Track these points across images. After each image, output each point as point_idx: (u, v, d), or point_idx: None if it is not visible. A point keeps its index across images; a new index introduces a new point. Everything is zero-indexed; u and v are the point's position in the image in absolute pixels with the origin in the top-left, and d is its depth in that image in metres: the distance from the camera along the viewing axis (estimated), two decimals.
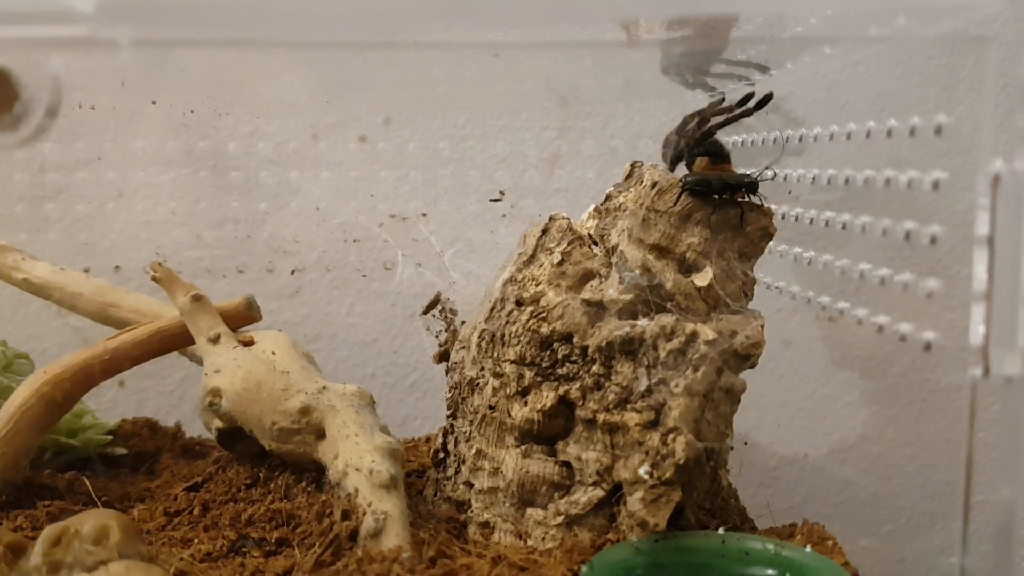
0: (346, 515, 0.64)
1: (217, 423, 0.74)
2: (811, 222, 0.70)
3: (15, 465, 0.74)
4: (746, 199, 0.69)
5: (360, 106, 0.98)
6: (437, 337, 0.84)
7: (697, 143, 0.75)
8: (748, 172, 0.69)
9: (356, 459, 0.67)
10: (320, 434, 0.70)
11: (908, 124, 0.53)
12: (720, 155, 0.74)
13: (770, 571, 0.60)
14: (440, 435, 0.78)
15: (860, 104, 0.67)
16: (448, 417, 0.77)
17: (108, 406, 1.03)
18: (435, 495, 0.76)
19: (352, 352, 1.09)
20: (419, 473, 0.83)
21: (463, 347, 0.77)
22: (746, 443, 0.76)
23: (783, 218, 0.75)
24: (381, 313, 1.08)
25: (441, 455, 0.77)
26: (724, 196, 0.68)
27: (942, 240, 0.52)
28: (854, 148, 0.62)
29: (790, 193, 0.74)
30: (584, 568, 0.58)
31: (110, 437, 0.87)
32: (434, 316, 0.86)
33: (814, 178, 0.70)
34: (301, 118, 1.00)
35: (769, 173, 0.68)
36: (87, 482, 0.77)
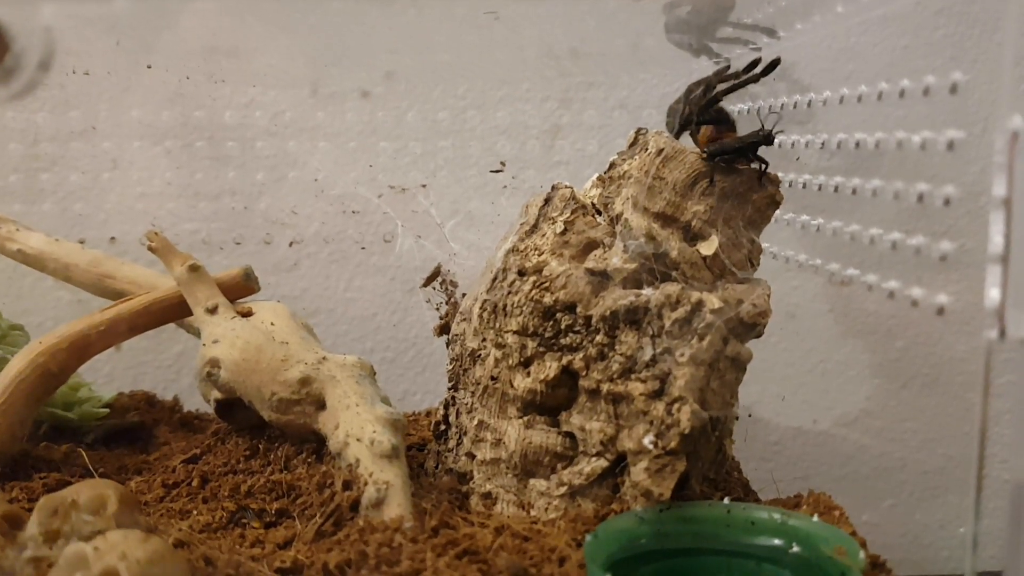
0: (347, 485, 0.63)
1: (215, 394, 0.73)
2: (820, 188, 0.69)
3: (11, 436, 0.73)
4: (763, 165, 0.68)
5: (358, 73, 0.96)
6: (438, 310, 0.83)
7: (702, 111, 0.73)
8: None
9: (357, 429, 0.66)
10: (320, 405, 0.69)
11: (922, 84, 0.52)
12: (726, 122, 0.73)
13: (776, 540, 0.60)
14: (441, 407, 0.77)
15: (872, 65, 0.65)
16: (449, 389, 0.76)
17: (105, 380, 1.02)
18: (436, 467, 0.76)
19: (351, 327, 1.08)
20: (420, 446, 0.83)
21: (464, 319, 0.76)
22: (750, 415, 0.76)
23: (790, 186, 0.73)
24: (380, 287, 1.07)
25: (442, 427, 0.76)
26: (749, 157, 0.67)
27: (956, 202, 0.51)
28: (866, 111, 0.60)
29: (798, 159, 0.73)
30: (588, 537, 0.57)
31: (107, 410, 0.86)
32: (434, 288, 0.85)
33: (823, 143, 0.68)
34: (299, 87, 0.98)
35: (771, 126, 0.67)
36: (84, 454, 0.76)
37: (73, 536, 0.56)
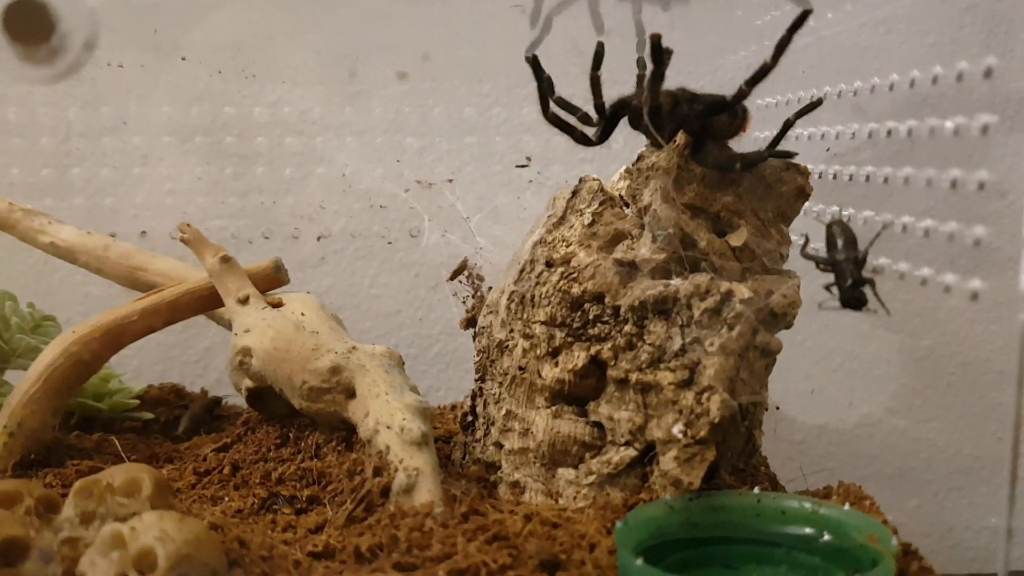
0: (377, 472, 0.64)
1: (247, 382, 0.74)
2: (850, 179, 0.69)
3: (44, 424, 0.74)
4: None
5: (385, 69, 0.97)
6: (464, 303, 0.84)
7: (698, 113, 0.68)
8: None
9: (387, 417, 0.66)
10: (350, 393, 0.70)
11: (955, 70, 0.52)
12: (717, 107, 0.68)
13: (808, 529, 0.60)
14: (469, 398, 0.78)
15: (898, 60, 0.65)
16: (476, 380, 0.77)
17: (133, 375, 1.03)
18: (463, 458, 0.76)
19: (376, 323, 1.08)
20: (446, 439, 0.83)
21: (491, 311, 0.77)
22: (778, 407, 0.76)
23: (820, 177, 0.73)
24: (404, 284, 1.07)
25: (470, 418, 0.77)
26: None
27: (985, 198, 0.51)
28: (898, 99, 0.60)
29: (828, 150, 0.73)
30: (619, 524, 0.57)
31: (137, 401, 0.87)
32: (460, 282, 0.85)
33: (853, 134, 0.68)
34: (325, 83, 0.99)
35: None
36: (116, 442, 0.77)
37: (108, 518, 0.57)
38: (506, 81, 1.00)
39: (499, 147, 1.00)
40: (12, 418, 0.72)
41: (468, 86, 1.00)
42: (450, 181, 0.95)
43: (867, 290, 0.62)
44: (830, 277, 0.65)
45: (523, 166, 0.95)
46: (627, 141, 0.97)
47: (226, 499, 0.67)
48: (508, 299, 0.73)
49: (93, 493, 0.58)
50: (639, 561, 0.52)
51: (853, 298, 0.62)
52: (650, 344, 0.66)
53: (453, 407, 0.95)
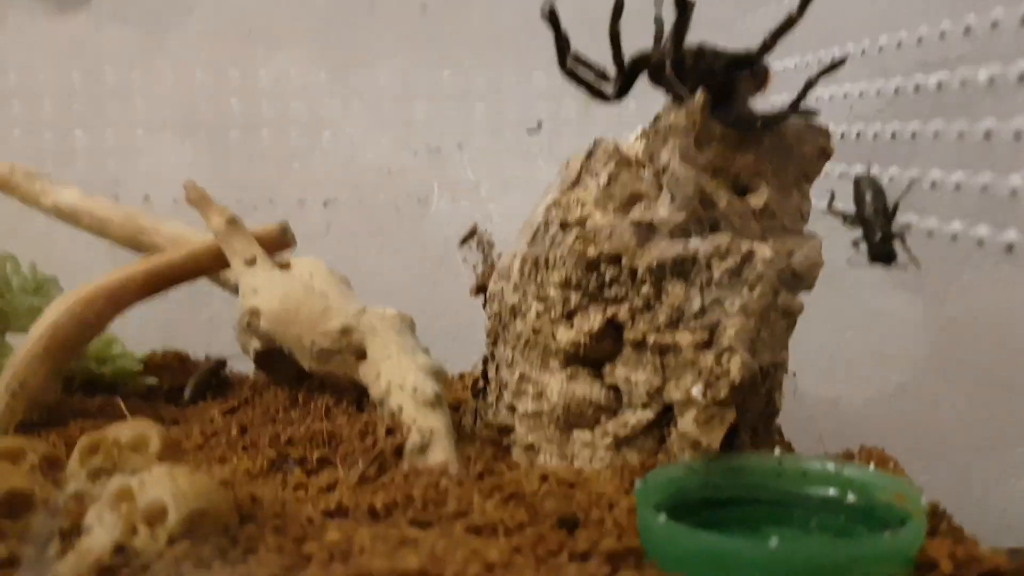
0: (390, 432, 0.62)
1: (255, 343, 0.73)
2: (875, 137, 0.68)
3: (46, 384, 0.72)
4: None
5: (394, 36, 0.96)
6: (475, 268, 0.83)
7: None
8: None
9: (399, 377, 0.65)
10: (361, 354, 0.69)
11: (989, 18, 0.51)
12: (740, 62, 0.67)
13: (831, 490, 0.58)
14: (480, 364, 0.76)
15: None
16: (488, 345, 0.76)
17: (135, 344, 1.01)
18: (475, 423, 0.75)
19: (382, 295, 1.07)
20: (455, 407, 0.81)
21: (503, 276, 0.75)
22: (795, 374, 0.74)
23: (842, 137, 0.72)
24: (413, 252, 1.06)
25: (481, 383, 0.75)
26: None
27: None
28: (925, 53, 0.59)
29: (851, 110, 0.71)
30: (638, 483, 0.56)
31: (141, 366, 0.85)
32: (470, 248, 0.84)
33: (878, 91, 0.67)
34: (332, 49, 0.98)
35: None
36: (121, 403, 0.75)
37: (116, 472, 0.55)
38: (517, 48, 0.98)
39: (510, 115, 0.99)
40: (14, 378, 0.71)
41: (478, 52, 0.99)
42: (459, 147, 0.94)
43: (897, 245, 0.61)
44: (857, 234, 0.63)
45: (534, 130, 0.94)
46: (640, 106, 0.95)
47: (234, 459, 0.65)
48: (521, 263, 0.72)
49: (100, 448, 0.57)
50: (662, 517, 0.50)
51: (883, 252, 0.61)
52: (669, 305, 0.65)
53: (462, 376, 0.93)
